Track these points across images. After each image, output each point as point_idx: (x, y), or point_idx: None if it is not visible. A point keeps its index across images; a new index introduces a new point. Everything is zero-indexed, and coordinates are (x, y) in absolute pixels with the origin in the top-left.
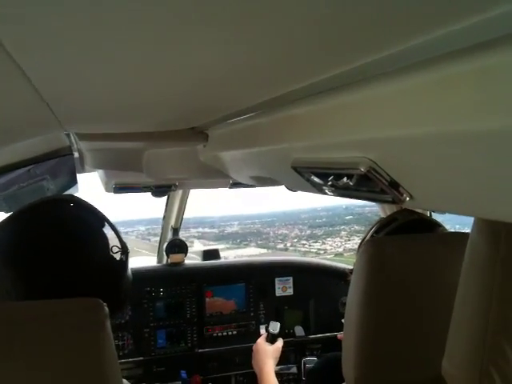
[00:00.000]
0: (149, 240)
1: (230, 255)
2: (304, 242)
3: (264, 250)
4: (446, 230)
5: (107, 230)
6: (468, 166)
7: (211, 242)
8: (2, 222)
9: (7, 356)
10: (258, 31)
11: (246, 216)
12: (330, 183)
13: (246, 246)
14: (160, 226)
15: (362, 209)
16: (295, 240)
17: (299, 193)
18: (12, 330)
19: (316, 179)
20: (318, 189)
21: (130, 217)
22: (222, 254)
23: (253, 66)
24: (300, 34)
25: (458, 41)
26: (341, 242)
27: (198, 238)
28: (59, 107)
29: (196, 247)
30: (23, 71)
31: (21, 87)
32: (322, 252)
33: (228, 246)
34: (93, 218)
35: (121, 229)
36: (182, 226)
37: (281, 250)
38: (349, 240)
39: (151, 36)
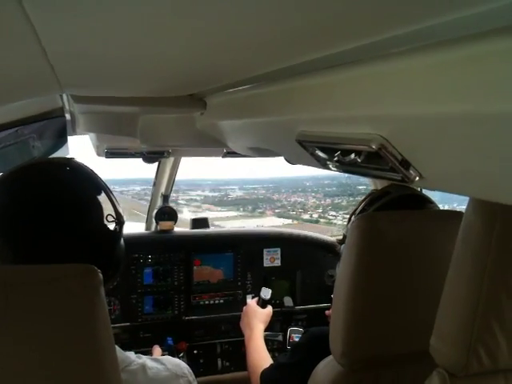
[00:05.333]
0: (146, 201)
1: (249, 226)
2: (333, 213)
3: (288, 221)
4: (437, 206)
5: (104, 198)
6: (480, 148)
7: (219, 208)
8: None
9: None
10: None
11: (244, 180)
12: (335, 159)
13: (262, 214)
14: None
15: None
16: (320, 210)
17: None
18: (3, 294)
19: (321, 154)
20: (322, 163)
21: (124, 175)
22: (236, 223)
23: (255, 34)
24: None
25: (473, 25)
26: None
27: (201, 201)
28: (62, 68)
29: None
30: (36, 33)
31: (30, 48)
32: None
33: (240, 213)
34: (89, 184)
35: (115, 188)
36: (178, 189)
37: (308, 221)
38: None
39: None
